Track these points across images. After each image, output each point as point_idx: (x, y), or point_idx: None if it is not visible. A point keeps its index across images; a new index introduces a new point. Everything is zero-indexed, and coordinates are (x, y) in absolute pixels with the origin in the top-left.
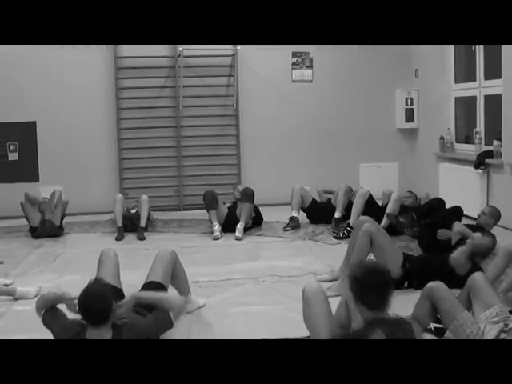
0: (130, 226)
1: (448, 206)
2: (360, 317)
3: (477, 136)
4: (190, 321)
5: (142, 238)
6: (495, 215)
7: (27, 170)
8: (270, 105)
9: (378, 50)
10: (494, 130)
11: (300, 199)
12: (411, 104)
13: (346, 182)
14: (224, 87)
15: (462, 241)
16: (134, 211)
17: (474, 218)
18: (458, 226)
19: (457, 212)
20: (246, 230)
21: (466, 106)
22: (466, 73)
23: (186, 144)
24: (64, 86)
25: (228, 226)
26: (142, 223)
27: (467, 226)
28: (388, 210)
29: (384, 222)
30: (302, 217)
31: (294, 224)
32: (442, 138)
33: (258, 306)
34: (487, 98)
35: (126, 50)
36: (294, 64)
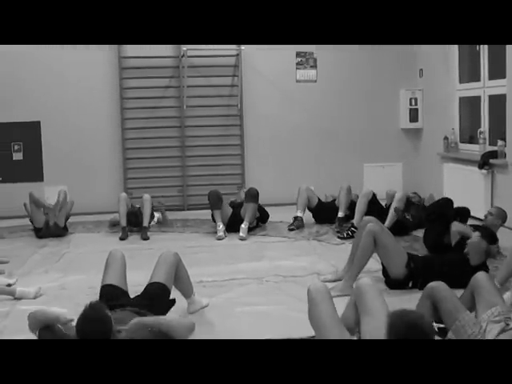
0: (134, 220)
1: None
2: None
3: (481, 136)
4: (193, 320)
5: (145, 238)
6: (502, 216)
7: (31, 169)
8: (274, 105)
9: (383, 50)
10: (498, 130)
11: (306, 199)
12: (415, 104)
13: (350, 182)
14: (228, 87)
15: (463, 240)
16: (138, 206)
17: (480, 219)
18: (455, 226)
19: (462, 212)
20: (250, 229)
21: (470, 106)
22: (470, 73)
23: (190, 144)
24: (68, 86)
25: (232, 225)
26: (145, 223)
27: (472, 226)
28: (394, 205)
29: (388, 221)
30: (307, 217)
31: (298, 224)
32: (446, 138)
33: (261, 306)
34: (491, 97)
35: (130, 50)
36: (298, 64)
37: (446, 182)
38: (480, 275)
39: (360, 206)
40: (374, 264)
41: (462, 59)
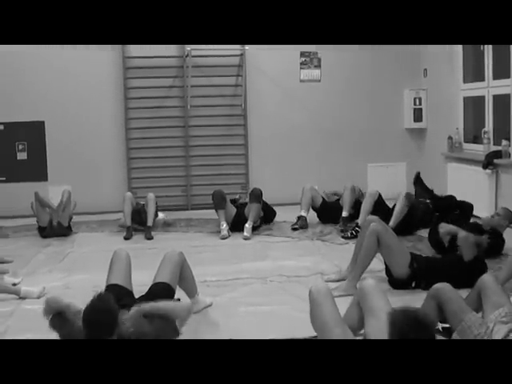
0: (138, 218)
1: None
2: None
3: (485, 136)
4: (197, 320)
5: (149, 238)
6: (509, 217)
7: (36, 169)
8: (277, 104)
9: (387, 50)
10: (502, 130)
11: (310, 199)
12: (419, 104)
13: (354, 181)
14: (232, 87)
15: (454, 240)
16: (142, 203)
17: None
18: (443, 228)
19: (464, 207)
20: (254, 229)
21: (474, 106)
22: (474, 72)
23: (193, 144)
24: (72, 85)
25: (236, 225)
26: (149, 222)
27: (477, 225)
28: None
29: (392, 222)
30: (311, 217)
31: (301, 223)
32: (450, 137)
33: (265, 306)
34: (496, 97)
35: (134, 49)
36: (302, 64)
37: (450, 182)
38: (486, 277)
39: (366, 206)
40: (377, 264)
41: (466, 59)
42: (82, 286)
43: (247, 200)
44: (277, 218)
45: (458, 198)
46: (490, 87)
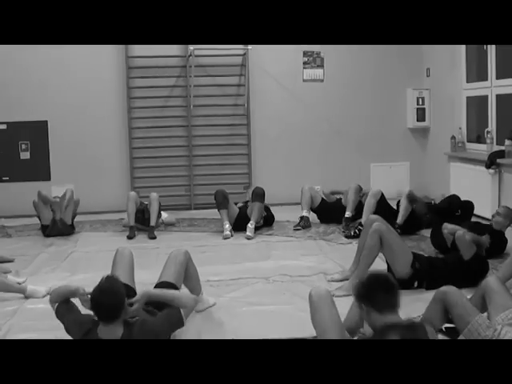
0: (141, 218)
1: None
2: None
3: (488, 135)
4: (200, 320)
5: (152, 237)
6: (510, 216)
7: (39, 168)
8: (280, 104)
9: (390, 50)
10: (505, 130)
11: (310, 199)
12: (422, 103)
13: (357, 181)
14: (235, 87)
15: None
16: (146, 203)
17: (488, 219)
18: (446, 228)
19: (465, 206)
20: (256, 229)
21: (477, 106)
22: (477, 72)
23: (196, 143)
24: (75, 85)
25: (239, 225)
26: (152, 222)
27: (478, 224)
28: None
29: (400, 218)
30: (312, 217)
31: (304, 223)
32: (453, 137)
33: (268, 306)
34: (499, 97)
35: (138, 49)
36: (305, 63)
37: (453, 182)
38: (490, 279)
39: (369, 206)
40: (379, 263)
41: (469, 58)
42: (85, 285)
43: (249, 197)
44: (280, 218)
45: (462, 198)
46: (493, 87)
